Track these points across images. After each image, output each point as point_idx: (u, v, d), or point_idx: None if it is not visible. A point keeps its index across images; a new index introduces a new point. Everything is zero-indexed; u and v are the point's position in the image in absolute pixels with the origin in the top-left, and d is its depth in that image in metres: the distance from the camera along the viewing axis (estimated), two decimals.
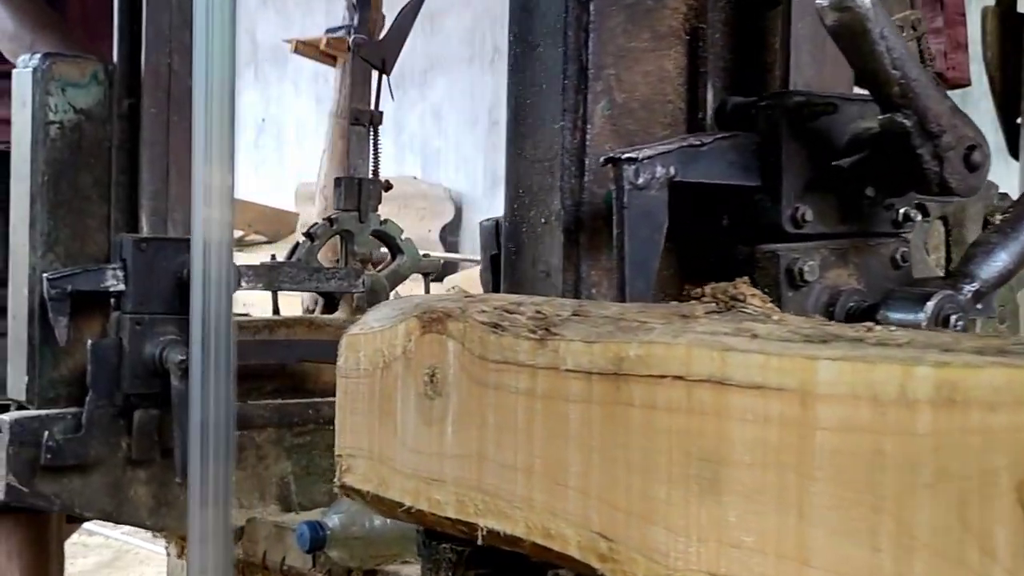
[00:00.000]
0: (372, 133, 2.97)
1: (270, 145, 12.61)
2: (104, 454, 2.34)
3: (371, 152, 2.97)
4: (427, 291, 3.15)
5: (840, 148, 1.29)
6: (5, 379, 2.49)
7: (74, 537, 4.01)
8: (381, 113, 2.98)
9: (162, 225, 2.41)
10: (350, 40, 2.97)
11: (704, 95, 1.40)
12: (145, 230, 2.41)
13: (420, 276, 3.08)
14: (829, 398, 0.85)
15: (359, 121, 2.95)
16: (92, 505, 2.35)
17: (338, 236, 2.93)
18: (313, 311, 5.29)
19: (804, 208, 1.28)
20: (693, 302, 1.05)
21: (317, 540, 2.12)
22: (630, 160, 1.21)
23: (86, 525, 3.67)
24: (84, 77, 2.39)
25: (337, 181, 2.99)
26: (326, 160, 6.88)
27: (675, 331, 0.99)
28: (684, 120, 1.41)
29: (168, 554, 2.90)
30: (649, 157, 1.21)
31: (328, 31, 7.24)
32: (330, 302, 2.92)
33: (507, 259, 1.43)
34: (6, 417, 2.31)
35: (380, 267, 2.99)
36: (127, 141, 2.43)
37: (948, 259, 1.77)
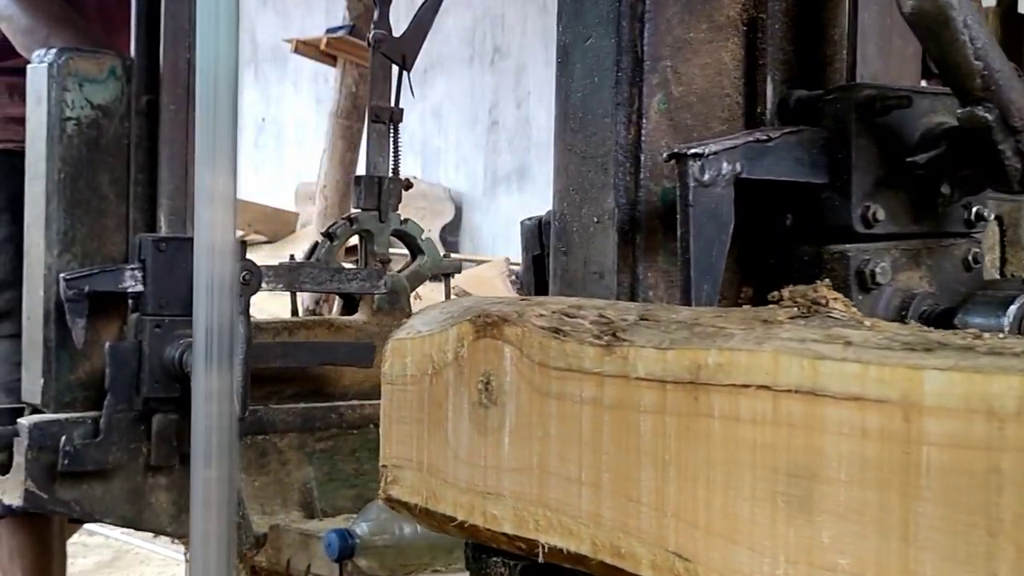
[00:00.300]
0: (392, 130, 2.90)
1: (270, 145, 12.58)
2: (123, 460, 2.28)
3: (391, 150, 2.90)
4: (447, 293, 3.08)
5: (911, 144, 1.23)
6: (15, 382, 2.43)
7: (74, 537, 3.96)
8: (402, 110, 2.91)
9: (181, 224, 2.35)
10: (370, 36, 2.90)
11: (763, 89, 1.34)
12: (164, 229, 2.35)
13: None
14: (937, 411, 0.79)
15: (379, 118, 2.87)
16: (113, 512, 2.29)
17: (357, 235, 2.86)
18: (314, 311, 5.24)
19: (875, 207, 1.22)
20: (773, 306, 0.99)
21: (346, 549, 2.06)
22: (696, 156, 1.15)
23: (86, 525, 3.62)
24: (102, 72, 2.33)
25: (357, 179, 2.91)
26: (326, 160, 6.84)
27: (758, 337, 0.92)
28: (742, 115, 1.35)
29: (187, 560, 2.84)
30: (715, 153, 1.15)
31: (328, 31, 7.20)
32: (349, 303, 2.85)
33: (556, 260, 1.37)
34: (25, 421, 2.25)
35: (401, 268, 2.92)
36: (146, 138, 2.37)
37: (1003, 260, 1.71)
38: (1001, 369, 0.77)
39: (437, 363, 1.17)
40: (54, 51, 2.32)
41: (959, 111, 1.15)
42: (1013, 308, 1.16)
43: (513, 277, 8.25)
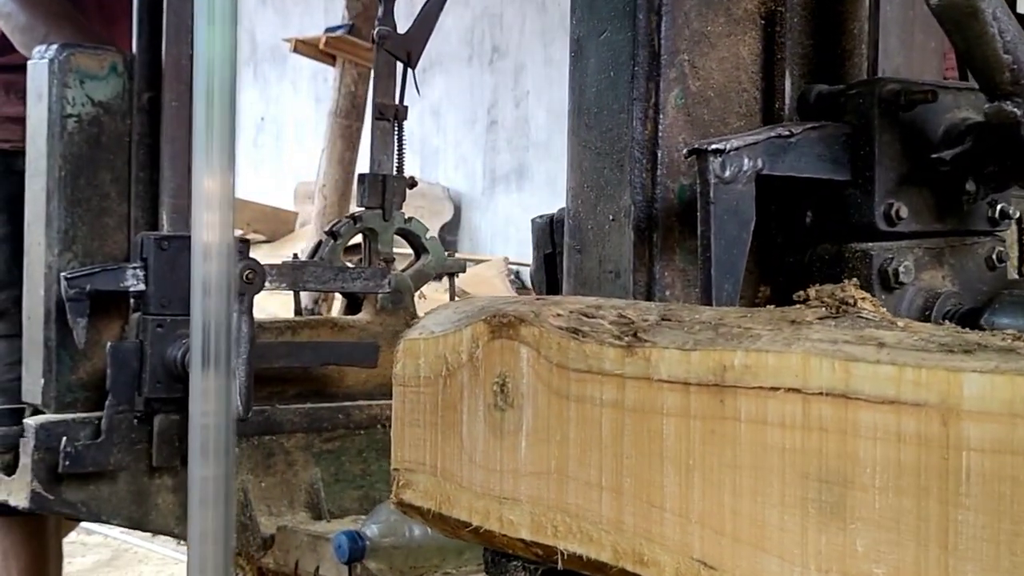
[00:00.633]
0: (397, 128, 2.87)
1: (269, 144, 12.54)
2: (125, 461, 2.25)
3: (395, 148, 2.87)
4: (452, 292, 3.05)
5: (935, 140, 1.20)
6: (15, 381, 2.40)
7: (72, 536, 3.93)
8: (406, 108, 2.88)
9: (183, 223, 2.31)
10: (374, 32, 2.87)
11: (781, 83, 1.31)
12: (166, 228, 2.32)
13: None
14: (978, 415, 0.76)
15: (383, 116, 2.84)
16: (119, 513, 2.26)
17: (360, 234, 2.82)
18: (312, 310, 5.21)
19: (898, 204, 1.19)
20: (800, 306, 0.96)
21: (356, 551, 2.03)
22: (717, 151, 1.12)
23: (84, 524, 3.59)
24: (103, 69, 2.30)
25: (360, 177, 2.88)
26: (325, 159, 6.81)
27: (786, 338, 0.90)
28: (760, 110, 1.32)
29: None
30: (736, 148, 1.12)
31: (327, 30, 7.17)
32: (352, 303, 2.82)
33: (570, 258, 1.34)
34: (31, 422, 2.22)
35: (405, 267, 2.89)
36: (147, 135, 2.34)
37: (1022, 259, 1.68)
38: None
39: (451, 364, 1.14)
40: (55, 47, 2.29)
41: (986, 106, 1.12)
42: None
43: (512, 276, 8.22)
